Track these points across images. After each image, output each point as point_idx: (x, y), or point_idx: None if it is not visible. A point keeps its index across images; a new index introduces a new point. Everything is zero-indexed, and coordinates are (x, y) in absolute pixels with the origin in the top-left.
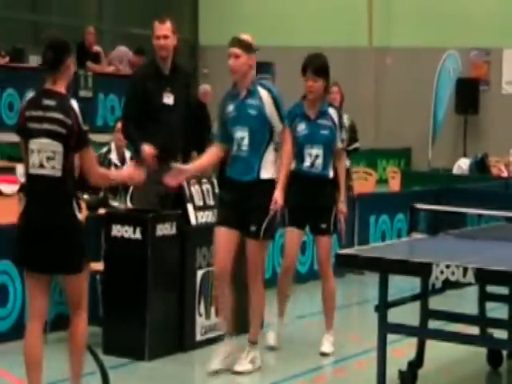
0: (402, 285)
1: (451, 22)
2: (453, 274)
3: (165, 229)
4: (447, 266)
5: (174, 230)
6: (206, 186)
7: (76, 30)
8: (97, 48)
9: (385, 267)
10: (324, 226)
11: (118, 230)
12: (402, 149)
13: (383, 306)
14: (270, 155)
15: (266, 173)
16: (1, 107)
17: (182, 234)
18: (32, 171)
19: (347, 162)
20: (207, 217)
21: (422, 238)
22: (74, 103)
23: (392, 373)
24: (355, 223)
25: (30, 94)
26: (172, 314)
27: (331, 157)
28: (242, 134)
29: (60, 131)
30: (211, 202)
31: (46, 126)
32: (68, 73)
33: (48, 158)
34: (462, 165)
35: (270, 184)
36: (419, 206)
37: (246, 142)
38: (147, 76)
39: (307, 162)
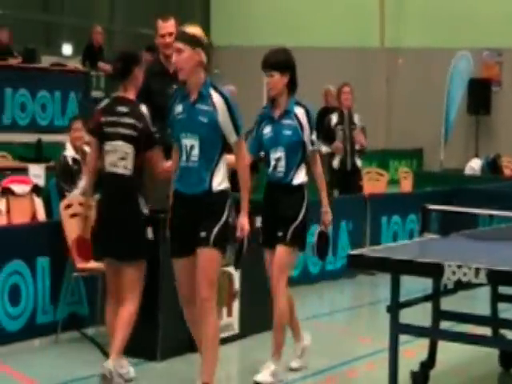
0: (414, 285)
1: (463, 22)
2: (465, 274)
3: None
4: (459, 267)
5: None
6: None
7: (88, 31)
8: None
9: (396, 268)
10: (280, 233)
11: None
12: (414, 149)
13: (395, 307)
14: (223, 167)
15: (217, 185)
16: (13, 108)
17: None
18: (106, 169)
19: (358, 162)
20: None
21: (434, 238)
22: (144, 108)
23: (404, 373)
24: (367, 224)
25: (103, 101)
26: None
27: (297, 161)
28: (191, 142)
29: (132, 134)
30: (146, 212)
31: (120, 130)
32: (136, 81)
33: (121, 159)
34: (474, 165)
35: (223, 195)
36: (431, 206)
37: (196, 151)
38: (152, 75)
39: (271, 167)
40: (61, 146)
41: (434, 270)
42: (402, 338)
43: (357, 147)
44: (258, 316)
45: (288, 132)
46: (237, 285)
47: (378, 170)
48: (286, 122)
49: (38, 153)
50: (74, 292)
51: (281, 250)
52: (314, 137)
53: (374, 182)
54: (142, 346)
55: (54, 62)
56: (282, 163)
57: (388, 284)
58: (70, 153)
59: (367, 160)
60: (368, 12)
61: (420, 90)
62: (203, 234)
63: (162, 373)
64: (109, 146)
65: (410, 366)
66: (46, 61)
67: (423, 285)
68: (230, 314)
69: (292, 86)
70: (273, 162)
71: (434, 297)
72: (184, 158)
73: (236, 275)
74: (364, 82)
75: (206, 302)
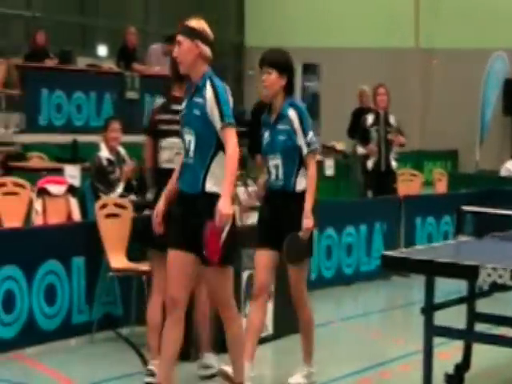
0: (448, 287)
1: (498, 22)
2: (500, 276)
3: None
4: (494, 269)
5: None
6: (252, 188)
7: (122, 32)
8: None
9: (431, 270)
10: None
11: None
12: (449, 150)
13: (429, 309)
14: (219, 166)
15: (211, 186)
16: (49, 109)
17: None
18: (162, 166)
19: (393, 164)
20: (253, 218)
21: (469, 240)
22: None
23: (438, 376)
24: (401, 225)
25: (158, 101)
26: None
27: (295, 166)
28: (188, 138)
29: None
30: (257, 203)
31: (175, 127)
32: None
33: (177, 154)
34: (510, 166)
35: (217, 200)
36: (466, 208)
37: (192, 147)
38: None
39: (273, 175)
40: (96, 147)
41: (469, 272)
42: (437, 340)
43: (395, 149)
44: (292, 317)
45: (282, 137)
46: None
47: (413, 172)
48: (281, 126)
49: (73, 153)
50: (109, 292)
51: (293, 270)
52: (309, 138)
53: (408, 184)
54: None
55: (89, 64)
56: (281, 170)
57: (422, 286)
58: (104, 153)
59: (401, 161)
60: (403, 12)
61: (455, 91)
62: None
63: (196, 373)
64: (164, 142)
65: (445, 368)
66: (81, 62)
67: (458, 286)
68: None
69: (288, 90)
70: (273, 170)
71: (468, 299)
72: (184, 154)
73: None
74: (399, 83)
75: (224, 312)
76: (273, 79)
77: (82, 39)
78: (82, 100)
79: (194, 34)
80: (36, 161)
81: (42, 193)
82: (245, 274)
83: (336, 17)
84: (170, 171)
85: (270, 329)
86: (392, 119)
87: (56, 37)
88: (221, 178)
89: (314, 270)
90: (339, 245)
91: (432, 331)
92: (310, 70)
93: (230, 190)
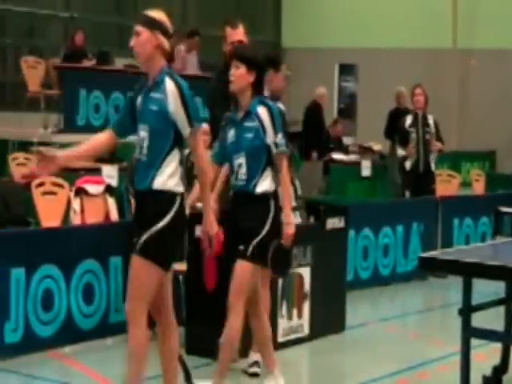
0: (486, 288)
1: None
2: None
3: None
4: None
5: None
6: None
7: None
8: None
9: (468, 271)
10: (241, 247)
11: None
12: (487, 151)
13: (467, 310)
14: (172, 164)
15: (160, 184)
16: (87, 109)
17: None
18: None
19: (432, 165)
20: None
21: (507, 241)
22: (280, 106)
23: (475, 378)
24: (438, 226)
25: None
26: None
27: (260, 167)
28: (143, 134)
29: None
30: (293, 203)
31: None
32: (268, 84)
33: None
34: None
35: (166, 196)
36: (504, 209)
37: (146, 143)
38: (222, 79)
39: (234, 175)
40: (133, 147)
41: (506, 274)
42: (474, 341)
43: (434, 153)
44: (328, 317)
45: (249, 135)
46: (307, 286)
47: (450, 172)
48: (248, 124)
49: (111, 153)
50: None
51: (241, 266)
52: (278, 139)
53: (445, 185)
54: (212, 346)
55: (127, 64)
56: (243, 170)
57: (459, 287)
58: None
59: (439, 162)
60: (440, 13)
61: (493, 92)
62: (135, 239)
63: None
64: None
65: (482, 370)
66: (119, 63)
67: (496, 288)
68: (300, 315)
69: (257, 87)
70: (235, 170)
71: (506, 300)
72: (138, 150)
73: (306, 276)
74: (436, 84)
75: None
76: (240, 73)
77: (120, 39)
78: (119, 100)
79: (154, 25)
80: None
81: (80, 192)
82: None
83: (373, 17)
84: None
85: (306, 330)
86: (431, 120)
87: (94, 37)
88: (172, 177)
89: (351, 271)
90: (376, 245)
91: (469, 333)
92: (347, 70)
93: (208, 206)
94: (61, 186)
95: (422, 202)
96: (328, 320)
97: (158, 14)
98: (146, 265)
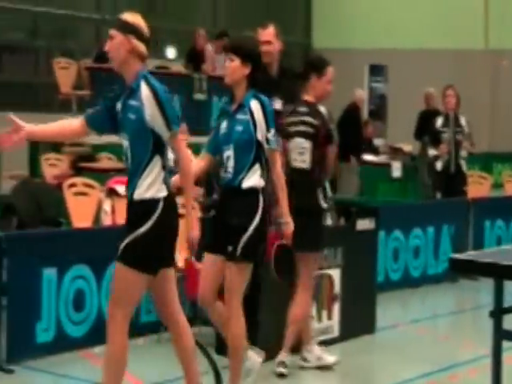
0: None
1: None
2: None
3: None
4: None
5: None
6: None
7: (190, 34)
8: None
9: (500, 273)
10: (230, 248)
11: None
12: None
13: (498, 312)
14: (153, 172)
15: (140, 193)
16: None
17: None
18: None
19: (464, 166)
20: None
21: None
22: (322, 108)
23: (507, 381)
24: (469, 228)
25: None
26: (284, 316)
27: (249, 161)
28: (125, 144)
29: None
30: (324, 205)
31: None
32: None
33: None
34: None
35: (145, 205)
36: None
37: (128, 152)
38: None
39: (223, 168)
40: None
41: None
42: (506, 344)
43: (463, 154)
44: (358, 319)
45: (239, 128)
46: (337, 287)
47: (482, 174)
48: (240, 116)
49: None
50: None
51: (231, 270)
52: (270, 135)
53: (477, 186)
54: None
55: (157, 65)
56: (231, 163)
57: (491, 289)
58: (171, 155)
59: (470, 163)
60: (472, 13)
61: None
62: (117, 245)
63: (263, 373)
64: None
65: None
66: (150, 64)
67: None
68: (330, 316)
69: (252, 81)
70: (224, 162)
71: None
72: (124, 160)
73: (337, 278)
74: (467, 84)
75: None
76: (234, 66)
77: (151, 41)
78: None
79: (127, 29)
80: (105, 161)
81: (111, 193)
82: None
83: (403, 18)
84: (297, 170)
85: (335, 331)
86: (463, 121)
87: None
88: (152, 186)
89: (381, 273)
90: (406, 247)
91: (500, 335)
92: (377, 71)
93: (191, 209)
94: (92, 186)
95: (453, 204)
96: (358, 321)
97: (132, 18)
98: (126, 270)
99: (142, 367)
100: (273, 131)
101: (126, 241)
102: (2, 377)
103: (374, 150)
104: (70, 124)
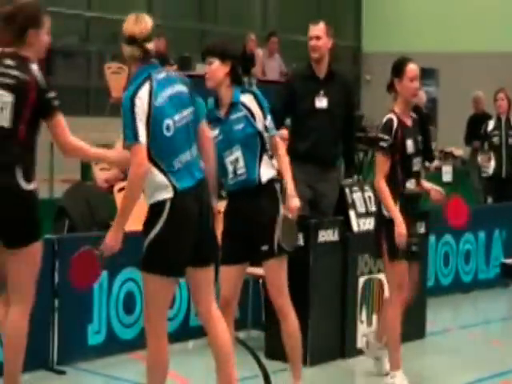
0: None
1: None
2: None
3: (327, 235)
4: None
5: (336, 237)
6: (368, 193)
7: (241, 38)
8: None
9: None
10: (265, 247)
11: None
12: None
13: None
14: (156, 178)
15: (149, 200)
16: None
17: (345, 240)
18: None
19: None
20: (369, 224)
21: None
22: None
23: None
24: None
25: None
26: (333, 320)
27: (257, 155)
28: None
29: None
30: (373, 209)
31: None
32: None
33: None
34: None
35: (152, 210)
36: None
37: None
38: (301, 78)
39: (230, 173)
40: None
41: None
42: None
43: None
44: (408, 324)
45: (239, 126)
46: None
47: None
48: (234, 116)
49: None
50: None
51: (273, 266)
52: (268, 122)
53: None
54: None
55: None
56: (241, 163)
57: None
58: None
59: None
60: None
61: None
62: None
63: (312, 378)
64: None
65: None
66: (200, 68)
67: None
68: (380, 321)
69: (234, 77)
70: (230, 168)
71: None
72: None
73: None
74: None
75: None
76: (214, 68)
77: (201, 45)
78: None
79: (123, 39)
80: None
81: None
82: (361, 280)
83: (454, 21)
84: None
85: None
86: None
87: (175, 43)
88: (157, 189)
89: (431, 277)
90: (457, 252)
91: None
92: (428, 74)
93: (119, 221)
94: (142, 190)
95: (505, 209)
96: (408, 326)
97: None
98: (146, 276)
99: (192, 369)
100: (269, 117)
101: (143, 248)
102: (53, 377)
103: None
104: None
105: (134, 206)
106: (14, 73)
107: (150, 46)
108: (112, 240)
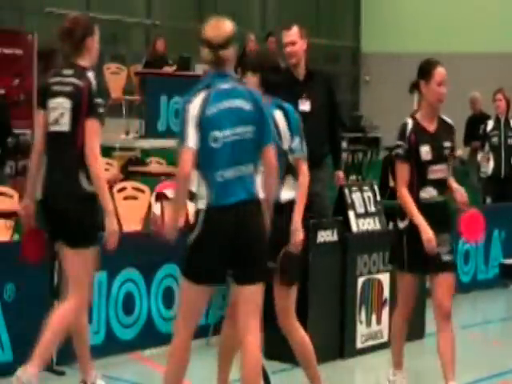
0: None
1: None
2: None
3: (326, 235)
4: None
5: (335, 237)
6: (368, 194)
7: (240, 39)
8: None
9: None
10: (271, 264)
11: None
12: None
13: None
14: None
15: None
16: (168, 115)
17: (344, 241)
18: None
19: None
20: (368, 224)
21: None
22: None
23: None
24: None
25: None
26: (332, 320)
27: (281, 173)
28: None
29: None
30: (373, 209)
31: None
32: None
33: None
34: None
35: (194, 218)
36: None
37: None
38: (281, 84)
39: None
40: None
41: None
42: None
43: None
44: (408, 324)
45: None
46: (386, 292)
47: None
48: None
49: None
50: (226, 296)
51: (280, 287)
52: (294, 144)
53: None
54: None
55: (207, 70)
56: None
57: None
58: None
59: None
60: None
61: None
62: None
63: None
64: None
65: None
66: (199, 69)
67: None
68: (379, 321)
69: (264, 89)
70: None
71: None
72: None
73: (386, 282)
74: None
75: None
76: (250, 82)
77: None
78: None
79: (200, 40)
80: (155, 166)
81: (161, 197)
82: (360, 280)
83: (453, 22)
84: None
85: (385, 336)
86: None
87: (174, 43)
88: (198, 199)
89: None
90: (456, 252)
91: None
92: None
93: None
94: (142, 190)
95: (504, 209)
96: (408, 326)
97: None
98: (182, 281)
99: (191, 370)
100: (297, 139)
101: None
102: (53, 378)
103: None
104: None
105: (182, 201)
106: (72, 80)
107: (225, 52)
108: (172, 220)
